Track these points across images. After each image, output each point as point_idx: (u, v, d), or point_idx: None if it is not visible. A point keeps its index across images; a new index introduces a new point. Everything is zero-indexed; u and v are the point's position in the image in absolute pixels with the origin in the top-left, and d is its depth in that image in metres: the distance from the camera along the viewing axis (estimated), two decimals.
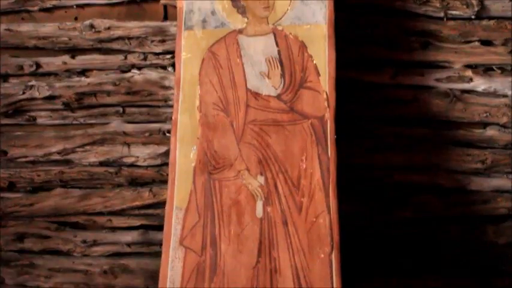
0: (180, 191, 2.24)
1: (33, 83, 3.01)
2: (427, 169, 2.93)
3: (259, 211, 2.21)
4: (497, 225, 2.98)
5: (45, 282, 3.14)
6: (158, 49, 2.91)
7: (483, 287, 3.00)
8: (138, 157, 2.97)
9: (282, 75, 2.33)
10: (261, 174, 2.24)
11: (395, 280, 2.95)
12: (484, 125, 2.96)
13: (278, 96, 2.31)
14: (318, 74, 2.33)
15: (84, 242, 3.06)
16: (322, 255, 2.15)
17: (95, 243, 3.07)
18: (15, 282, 3.17)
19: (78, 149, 3.00)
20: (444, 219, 2.96)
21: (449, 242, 2.96)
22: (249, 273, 2.13)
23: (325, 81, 2.33)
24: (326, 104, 2.30)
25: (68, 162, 3.04)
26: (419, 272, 2.98)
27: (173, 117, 2.32)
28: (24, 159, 3.05)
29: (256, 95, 2.32)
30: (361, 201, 2.91)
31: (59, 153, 3.01)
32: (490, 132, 2.94)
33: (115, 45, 2.95)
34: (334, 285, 2.10)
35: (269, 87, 2.32)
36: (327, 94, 2.31)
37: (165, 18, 2.95)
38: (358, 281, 2.88)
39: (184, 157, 2.27)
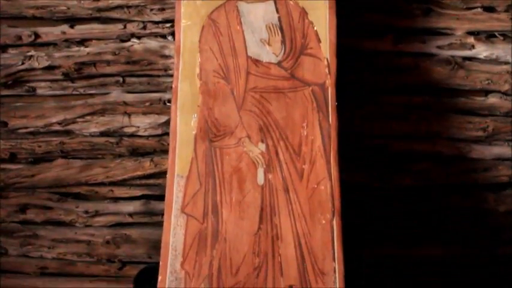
0: (181, 159, 2.24)
1: (32, 53, 2.99)
2: (428, 137, 2.93)
3: (260, 178, 2.21)
4: (497, 193, 2.99)
5: (48, 253, 3.16)
6: (157, 18, 2.89)
7: (483, 256, 3.02)
8: (138, 127, 2.96)
9: (283, 42, 2.31)
10: (262, 141, 2.24)
11: (395, 248, 2.96)
12: (486, 92, 2.94)
13: (279, 63, 2.30)
14: (319, 41, 2.32)
15: (86, 212, 3.07)
16: (324, 222, 2.15)
17: (97, 213, 3.08)
18: (18, 252, 3.19)
19: (78, 120, 3.00)
20: (445, 188, 2.96)
21: (449, 210, 2.98)
22: (250, 239, 2.14)
23: (326, 48, 2.31)
24: (327, 70, 2.29)
25: (68, 132, 3.03)
26: (420, 241, 2.99)
27: (173, 85, 2.31)
28: (24, 130, 3.05)
29: (257, 62, 2.30)
30: (361, 169, 2.91)
31: (59, 123, 3.00)
32: (492, 99, 2.93)
33: (114, 14, 2.92)
34: (336, 251, 2.11)
35: (270, 54, 2.31)
36: (327, 61, 2.30)
37: None
38: (358, 249, 2.89)
39: (185, 125, 2.26)
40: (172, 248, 2.14)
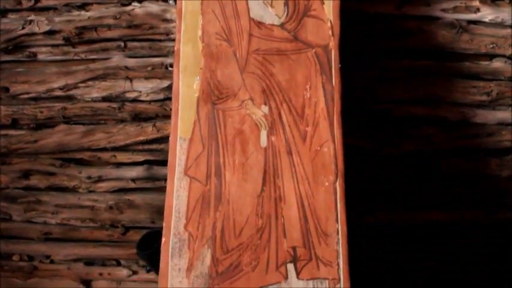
0: (183, 121, 2.22)
1: (32, 17, 2.96)
2: (432, 102, 2.92)
3: (263, 140, 2.20)
4: (500, 158, 2.99)
5: (52, 218, 3.18)
6: None
7: (486, 220, 3.02)
8: (140, 92, 2.95)
9: (285, 4, 2.28)
10: (265, 103, 2.22)
11: (398, 213, 2.97)
12: (491, 56, 2.92)
13: (281, 25, 2.27)
14: (322, 2, 2.29)
15: (89, 178, 3.08)
16: (327, 184, 2.15)
17: (100, 179, 3.08)
18: (22, 218, 3.20)
19: (80, 85, 2.98)
20: (448, 152, 2.96)
21: (452, 175, 2.97)
22: (253, 201, 2.14)
23: (330, 10, 2.29)
24: (330, 32, 2.26)
25: (70, 98, 3.02)
26: (422, 206, 3.00)
27: (175, 48, 2.28)
28: (26, 96, 3.04)
29: (260, 24, 2.27)
30: (363, 134, 2.90)
31: (61, 89, 2.99)
32: (496, 64, 2.91)
33: None
34: (339, 213, 2.12)
35: (272, 16, 2.28)
36: (331, 22, 2.27)
37: None
38: (362, 213, 2.91)
39: (187, 88, 2.25)
40: (176, 210, 2.14)
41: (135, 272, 3.19)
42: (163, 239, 2.11)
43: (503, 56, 2.88)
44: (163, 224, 2.13)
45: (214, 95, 2.24)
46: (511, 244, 3.03)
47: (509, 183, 2.99)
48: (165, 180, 2.27)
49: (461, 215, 2.98)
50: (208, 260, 2.07)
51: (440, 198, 2.96)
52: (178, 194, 2.17)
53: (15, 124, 3.08)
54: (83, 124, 3.05)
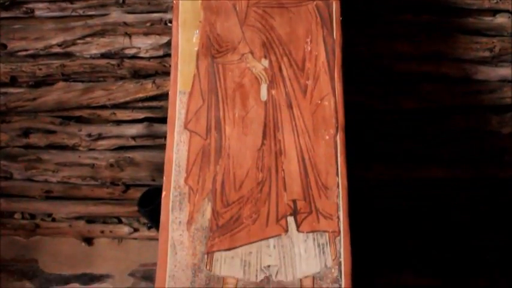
0: (183, 75, 2.20)
1: None
2: (433, 58, 2.89)
3: (263, 94, 2.19)
4: (501, 115, 2.97)
5: (52, 176, 3.18)
6: None
7: (486, 177, 3.02)
8: (140, 48, 2.92)
9: None
10: (265, 57, 2.20)
11: (398, 168, 2.96)
12: (494, 12, 2.88)
13: None
14: None
15: (89, 135, 3.07)
16: (327, 137, 2.14)
17: (100, 136, 3.08)
18: (23, 176, 3.21)
19: (78, 41, 2.95)
20: (449, 109, 2.95)
21: (452, 132, 2.96)
22: (254, 155, 2.13)
23: None
24: None
25: (69, 55, 3.00)
26: (422, 162, 2.99)
27: (174, 2, 2.25)
28: (24, 53, 3.01)
29: None
30: (364, 90, 2.88)
31: (59, 45, 2.96)
32: (500, 19, 2.88)
33: None
34: (339, 166, 2.11)
35: None
36: None
37: None
38: (361, 167, 2.91)
39: (186, 41, 2.22)
40: (176, 164, 2.14)
41: (136, 230, 3.21)
42: (163, 193, 2.11)
43: (507, 11, 2.85)
44: (164, 178, 2.13)
45: (213, 49, 2.22)
46: (509, 202, 3.04)
47: (509, 140, 2.98)
48: (165, 137, 2.26)
49: (461, 172, 2.97)
50: (208, 213, 2.08)
51: (440, 154, 2.96)
52: (178, 148, 2.16)
53: (13, 82, 3.06)
54: (82, 81, 3.03)
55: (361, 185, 2.81)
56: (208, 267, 2.00)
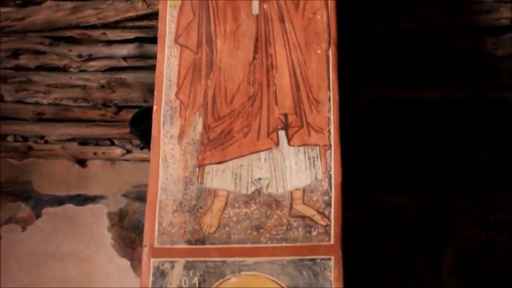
0: None
1: None
2: None
3: (255, 8, 2.15)
4: (497, 37, 2.93)
5: (43, 98, 3.17)
6: None
7: (479, 99, 3.02)
8: None
9: None
10: None
11: (391, 90, 2.95)
12: None
13: None
14: None
15: (80, 56, 3.03)
16: (319, 51, 2.12)
17: (91, 57, 3.03)
18: (14, 98, 3.19)
19: None
20: (444, 30, 2.90)
21: (447, 53, 2.93)
22: (245, 69, 2.11)
23: None
24: None
25: None
26: (417, 84, 2.98)
27: None
28: None
29: None
30: (360, 11, 2.83)
31: None
32: None
33: None
34: (331, 81, 2.09)
35: None
36: None
37: None
38: (353, 91, 2.89)
39: None
40: (167, 78, 2.12)
41: (128, 151, 3.22)
42: (154, 107, 2.10)
43: None
44: (155, 92, 2.12)
45: None
46: (499, 123, 3.05)
47: (504, 62, 2.95)
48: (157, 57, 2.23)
49: (452, 93, 2.96)
50: (199, 127, 2.07)
51: (433, 75, 2.94)
52: (169, 63, 2.14)
53: (0, 1, 2.98)
54: (71, 0, 2.95)
55: (353, 107, 2.79)
56: (199, 180, 2.02)
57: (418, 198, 3.11)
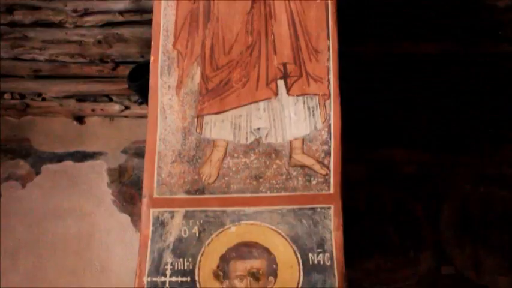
0: None
1: None
2: None
3: None
4: None
5: (40, 55, 3.13)
6: None
7: (479, 53, 2.99)
8: None
9: None
10: None
11: (391, 44, 2.92)
12: None
13: None
14: None
15: (75, 11, 2.97)
16: (319, 0, 2.08)
17: (86, 12, 2.97)
18: (9, 55, 3.15)
19: None
20: None
21: (446, 4, 2.88)
22: (243, 18, 2.08)
23: None
24: None
25: None
26: (416, 37, 2.94)
27: None
28: None
29: None
30: None
31: None
32: None
33: None
34: (330, 30, 2.06)
35: None
36: None
37: None
38: (352, 44, 2.85)
39: None
40: (164, 28, 2.10)
41: (127, 107, 3.20)
42: (152, 58, 2.09)
43: None
44: (152, 43, 2.09)
45: None
46: (502, 75, 3.03)
47: (505, 14, 2.91)
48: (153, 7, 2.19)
49: (452, 46, 2.93)
50: (198, 78, 2.06)
51: (433, 29, 2.90)
52: (166, 13, 2.11)
53: None
54: None
55: (353, 61, 2.76)
56: (198, 131, 2.01)
57: (418, 153, 3.11)
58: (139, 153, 3.16)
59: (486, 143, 3.21)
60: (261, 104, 2.02)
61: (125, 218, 3.15)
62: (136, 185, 3.12)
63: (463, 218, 3.11)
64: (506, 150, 3.22)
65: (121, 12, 2.96)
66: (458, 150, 3.19)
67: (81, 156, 3.23)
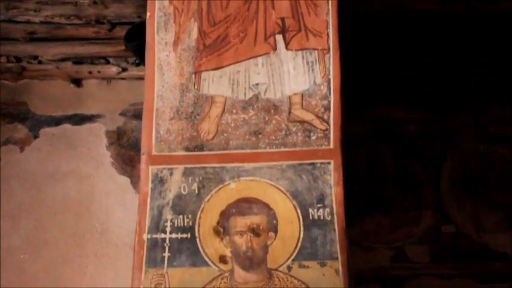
0: None
1: None
2: None
3: None
4: None
5: (35, 16, 3.07)
6: None
7: (478, 11, 2.93)
8: None
9: None
10: None
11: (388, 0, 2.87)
12: None
13: None
14: None
15: None
16: None
17: None
18: (4, 17, 3.09)
19: None
20: None
21: None
22: None
23: None
24: None
25: None
26: None
27: None
28: None
29: None
30: None
31: None
32: None
33: None
34: None
35: None
36: None
37: None
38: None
39: None
40: None
41: (124, 69, 3.16)
42: (148, 14, 2.05)
43: None
44: None
45: None
46: (500, 35, 2.99)
47: None
48: None
49: (451, 5, 2.88)
50: (195, 33, 2.02)
51: None
52: None
53: None
54: None
55: (353, 16, 2.72)
56: (196, 87, 1.99)
57: (419, 112, 3.09)
58: (138, 115, 3.12)
59: (486, 102, 3.18)
60: (260, 59, 2.00)
61: (125, 180, 3.14)
62: (135, 147, 3.10)
63: (463, 176, 3.10)
64: (506, 109, 3.19)
65: None
66: (458, 109, 3.17)
67: (79, 119, 3.21)
